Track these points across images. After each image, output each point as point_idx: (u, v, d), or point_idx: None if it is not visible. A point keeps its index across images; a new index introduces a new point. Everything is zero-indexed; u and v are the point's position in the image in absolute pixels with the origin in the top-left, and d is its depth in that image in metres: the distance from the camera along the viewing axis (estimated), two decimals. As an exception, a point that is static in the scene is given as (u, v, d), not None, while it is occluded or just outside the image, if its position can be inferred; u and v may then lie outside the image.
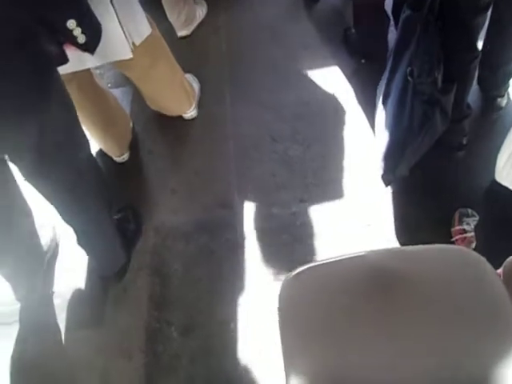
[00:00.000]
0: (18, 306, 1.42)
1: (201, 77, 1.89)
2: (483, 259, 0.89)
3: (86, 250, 1.42)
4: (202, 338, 1.33)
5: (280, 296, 0.91)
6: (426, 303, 0.85)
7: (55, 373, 1.31)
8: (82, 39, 0.93)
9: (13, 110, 0.88)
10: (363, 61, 1.86)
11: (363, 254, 0.99)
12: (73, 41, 0.93)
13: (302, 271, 0.93)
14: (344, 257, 0.96)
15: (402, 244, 1.40)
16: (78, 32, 0.91)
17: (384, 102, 1.40)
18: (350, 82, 1.83)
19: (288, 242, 1.46)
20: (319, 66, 1.88)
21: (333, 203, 1.52)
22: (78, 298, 1.44)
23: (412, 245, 1.32)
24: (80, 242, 1.36)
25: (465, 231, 1.33)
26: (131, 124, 1.76)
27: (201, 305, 1.39)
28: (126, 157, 1.71)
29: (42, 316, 1.42)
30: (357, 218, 1.48)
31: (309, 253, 1.43)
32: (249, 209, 1.55)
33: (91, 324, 1.38)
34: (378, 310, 0.85)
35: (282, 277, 1.39)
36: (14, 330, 1.39)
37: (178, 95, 1.70)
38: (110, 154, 1.68)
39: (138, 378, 1.29)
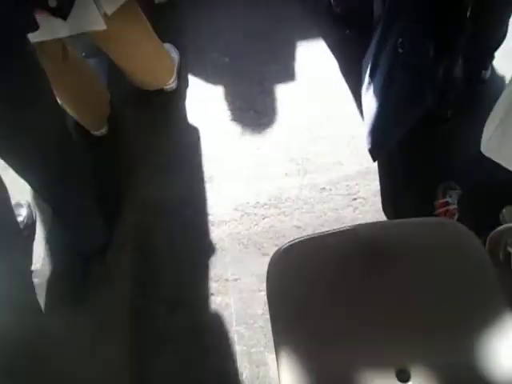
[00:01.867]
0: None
1: (180, 46, 1.82)
2: (468, 230, 0.90)
3: (64, 227, 1.38)
4: (188, 313, 1.32)
5: (269, 270, 0.90)
6: (414, 273, 0.86)
7: (38, 352, 1.29)
8: (52, 3, 0.87)
9: None
10: (347, 31, 1.83)
11: (351, 227, 0.99)
12: (44, 5, 0.86)
13: (291, 246, 0.93)
14: (332, 231, 0.96)
15: (387, 217, 1.41)
16: None
17: (371, 75, 1.37)
18: (333, 53, 1.80)
19: (273, 216, 1.45)
20: (303, 37, 1.84)
21: (319, 177, 1.51)
22: (58, 276, 1.41)
23: (397, 217, 1.33)
24: (57, 219, 1.31)
25: (448, 204, 1.35)
26: (109, 96, 1.68)
27: (185, 280, 1.38)
28: (104, 131, 1.65)
29: (21, 295, 1.37)
30: (343, 191, 1.47)
31: (295, 227, 1.42)
32: (233, 184, 1.53)
33: (74, 302, 1.35)
34: (365, 281, 0.86)
35: (267, 251, 1.39)
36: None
37: (157, 67, 1.63)
38: (87, 127, 1.61)
39: (123, 353, 1.27)
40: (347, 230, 0.97)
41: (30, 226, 1.48)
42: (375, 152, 1.33)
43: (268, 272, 0.90)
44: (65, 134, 1.17)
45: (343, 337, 0.81)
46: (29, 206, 1.49)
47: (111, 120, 1.67)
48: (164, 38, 1.66)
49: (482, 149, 1.02)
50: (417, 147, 1.49)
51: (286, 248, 0.92)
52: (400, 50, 1.16)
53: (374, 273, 0.86)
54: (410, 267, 0.86)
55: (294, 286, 0.88)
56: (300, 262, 0.90)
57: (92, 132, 1.63)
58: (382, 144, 1.31)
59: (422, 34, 1.14)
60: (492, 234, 0.87)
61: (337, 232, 0.96)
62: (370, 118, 1.31)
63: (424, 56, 1.11)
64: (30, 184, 1.16)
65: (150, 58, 1.56)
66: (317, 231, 1.39)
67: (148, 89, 1.70)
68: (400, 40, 1.16)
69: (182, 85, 1.75)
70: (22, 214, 1.45)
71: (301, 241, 0.93)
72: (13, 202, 1.31)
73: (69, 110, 1.51)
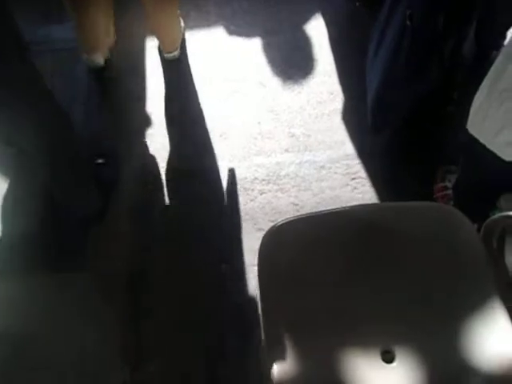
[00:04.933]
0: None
1: (184, 11, 1.76)
2: (463, 216, 0.90)
3: (59, 192, 1.37)
4: (182, 283, 1.32)
5: (261, 247, 0.90)
6: (406, 256, 0.86)
7: (35, 314, 1.30)
8: None
9: None
10: (358, 3, 1.77)
11: (347, 208, 0.98)
12: None
13: (284, 224, 0.92)
14: (328, 210, 0.96)
15: (386, 198, 1.40)
16: None
17: (377, 49, 1.33)
18: (342, 25, 1.75)
19: (271, 192, 1.44)
20: (312, 9, 1.78)
21: (319, 154, 1.49)
22: (56, 242, 1.41)
23: (396, 199, 1.32)
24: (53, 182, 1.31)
25: (446, 188, 1.34)
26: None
27: (179, 250, 1.37)
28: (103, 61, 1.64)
29: (19, 257, 1.38)
30: (342, 170, 1.46)
31: (292, 204, 1.42)
32: (232, 156, 1.52)
33: (72, 267, 1.35)
34: (357, 262, 0.86)
35: (262, 226, 1.39)
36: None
37: (176, 30, 1.64)
38: (88, 49, 1.60)
39: (120, 316, 1.28)
40: (343, 210, 0.97)
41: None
42: (377, 128, 1.31)
43: (260, 248, 0.90)
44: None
45: (330, 316, 0.82)
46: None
47: (112, 68, 1.66)
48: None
49: (468, 125, 1.00)
50: (420, 128, 1.46)
51: (279, 225, 0.92)
52: (408, 23, 1.12)
53: (366, 254, 0.86)
54: (403, 250, 0.86)
55: (284, 264, 0.88)
56: (293, 240, 0.90)
57: (94, 60, 1.61)
58: (384, 120, 1.28)
59: (431, 5, 1.09)
60: (487, 221, 0.86)
61: (333, 212, 0.96)
62: (374, 93, 1.28)
63: (432, 29, 1.07)
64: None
65: (164, 22, 1.56)
66: (313, 209, 1.39)
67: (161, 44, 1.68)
68: (408, 12, 1.12)
69: (185, 53, 1.71)
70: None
71: (295, 219, 0.93)
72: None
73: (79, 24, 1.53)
